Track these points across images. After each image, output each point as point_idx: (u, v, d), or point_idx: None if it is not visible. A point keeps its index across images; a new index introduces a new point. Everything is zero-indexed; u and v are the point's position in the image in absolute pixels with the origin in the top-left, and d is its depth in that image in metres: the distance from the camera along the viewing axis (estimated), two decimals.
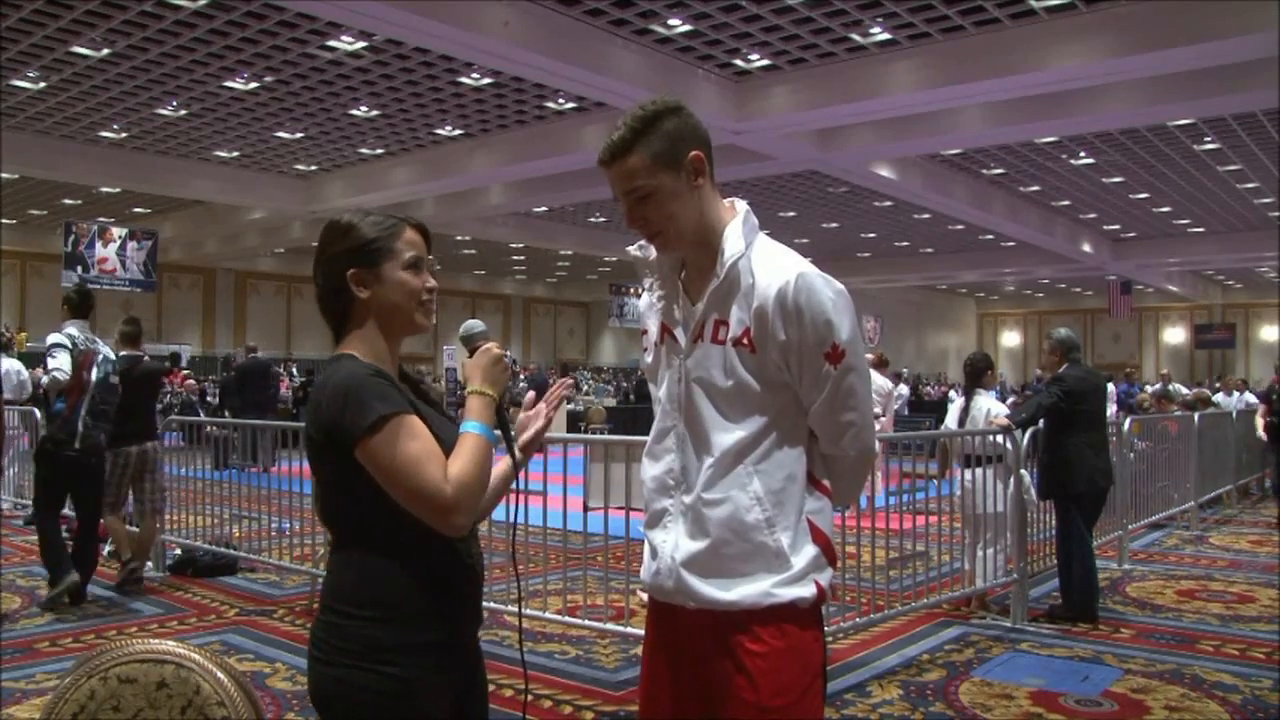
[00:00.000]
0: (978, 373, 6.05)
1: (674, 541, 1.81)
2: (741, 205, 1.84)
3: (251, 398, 13.80)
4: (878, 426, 8.34)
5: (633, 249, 1.91)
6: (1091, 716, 3.99)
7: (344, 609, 1.66)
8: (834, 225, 22.77)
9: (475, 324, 1.83)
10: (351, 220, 1.77)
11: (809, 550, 1.78)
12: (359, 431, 1.60)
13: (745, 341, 1.76)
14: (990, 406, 5.93)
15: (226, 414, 14.82)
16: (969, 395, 6.07)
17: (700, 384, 1.80)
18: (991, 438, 5.69)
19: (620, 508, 4.87)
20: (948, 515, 6.11)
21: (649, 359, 1.94)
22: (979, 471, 5.66)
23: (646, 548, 1.90)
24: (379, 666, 1.62)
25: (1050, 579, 6.18)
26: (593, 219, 22.71)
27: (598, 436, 5.84)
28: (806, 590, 1.76)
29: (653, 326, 1.92)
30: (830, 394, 1.76)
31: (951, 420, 6.25)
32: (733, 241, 1.78)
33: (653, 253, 1.88)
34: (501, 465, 1.89)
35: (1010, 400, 15.30)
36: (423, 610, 1.66)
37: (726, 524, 1.76)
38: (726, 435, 1.77)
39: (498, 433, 1.75)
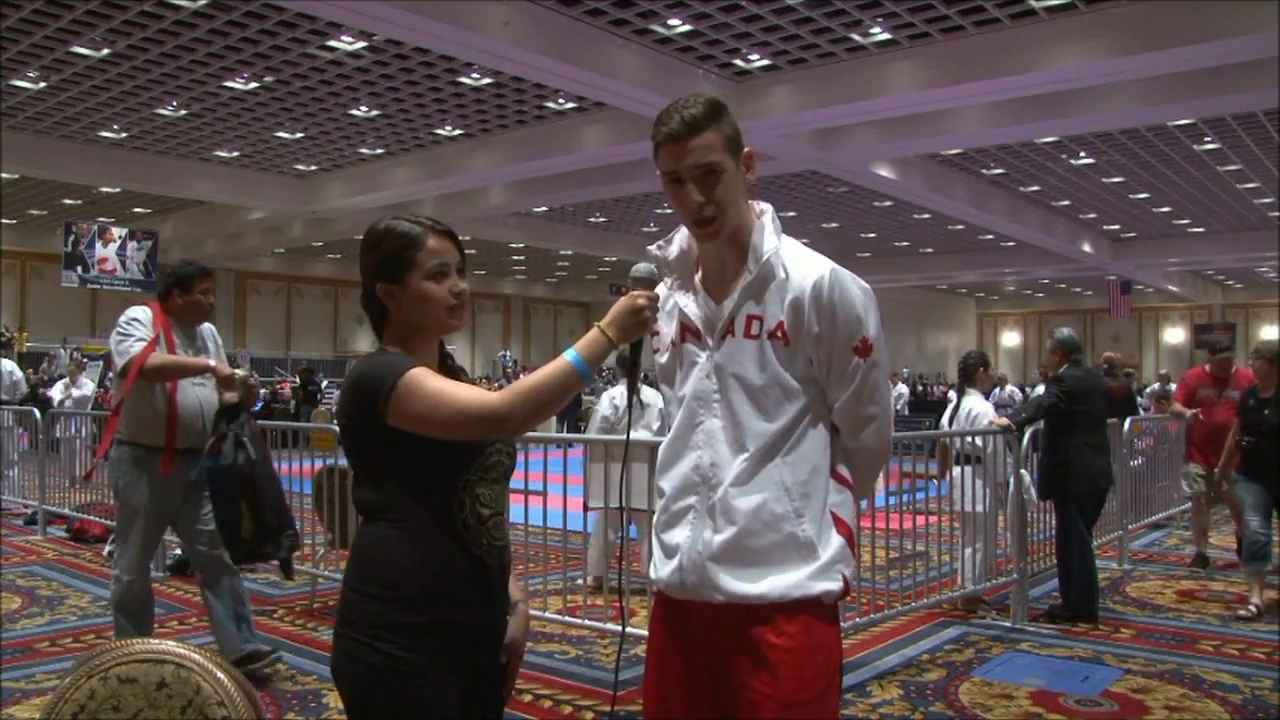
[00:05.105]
0: (969, 372, 6.19)
1: (700, 536, 1.81)
2: (767, 206, 1.87)
3: None
4: None
5: (653, 248, 1.91)
6: (1091, 716, 3.99)
7: (354, 585, 1.77)
8: (834, 225, 22.79)
9: (643, 267, 1.82)
10: (380, 230, 1.84)
11: (835, 541, 1.80)
12: (382, 401, 1.70)
13: (780, 335, 1.78)
14: (974, 407, 5.96)
15: None
16: (960, 394, 6.15)
17: (735, 379, 1.81)
18: (974, 438, 5.71)
19: (620, 508, 4.86)
20: (947, 515, 6.11)
21: (664, 359, 1.94)
22: (960, 470, 5.72)
23: (658, 549, 1.90)
24: (375, 643, 1.70)
25: (1050, 579, 6.18)
26: (593, 219, 22.71)
27: (598, 436, 5.84)
28: (834, 583, 1.78)
29: (667, 327, 1.92)
30: (857, 388, 1.80)
31: (946, 419, 6.32)
32: (768, 238, 1.81)
33: (672, 252, 1.90)
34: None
35: (993, 396, 15.25)
36: (419, 593, 1.73)
37: (756, 515, 1.77)
38: (762, 429, 1.79)
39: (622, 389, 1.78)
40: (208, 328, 4.34)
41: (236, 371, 4.09)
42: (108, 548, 7.36)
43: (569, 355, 1.72)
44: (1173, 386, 14.91)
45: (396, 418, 1.70)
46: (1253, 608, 5.58)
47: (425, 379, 1.71)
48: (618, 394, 6.27)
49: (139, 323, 4.01)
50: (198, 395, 4.12)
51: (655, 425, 6.45)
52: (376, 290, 1.82)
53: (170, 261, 4.61)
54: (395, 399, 1.69)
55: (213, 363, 4.10)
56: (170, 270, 4.27)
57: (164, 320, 4.09)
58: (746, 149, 1.82)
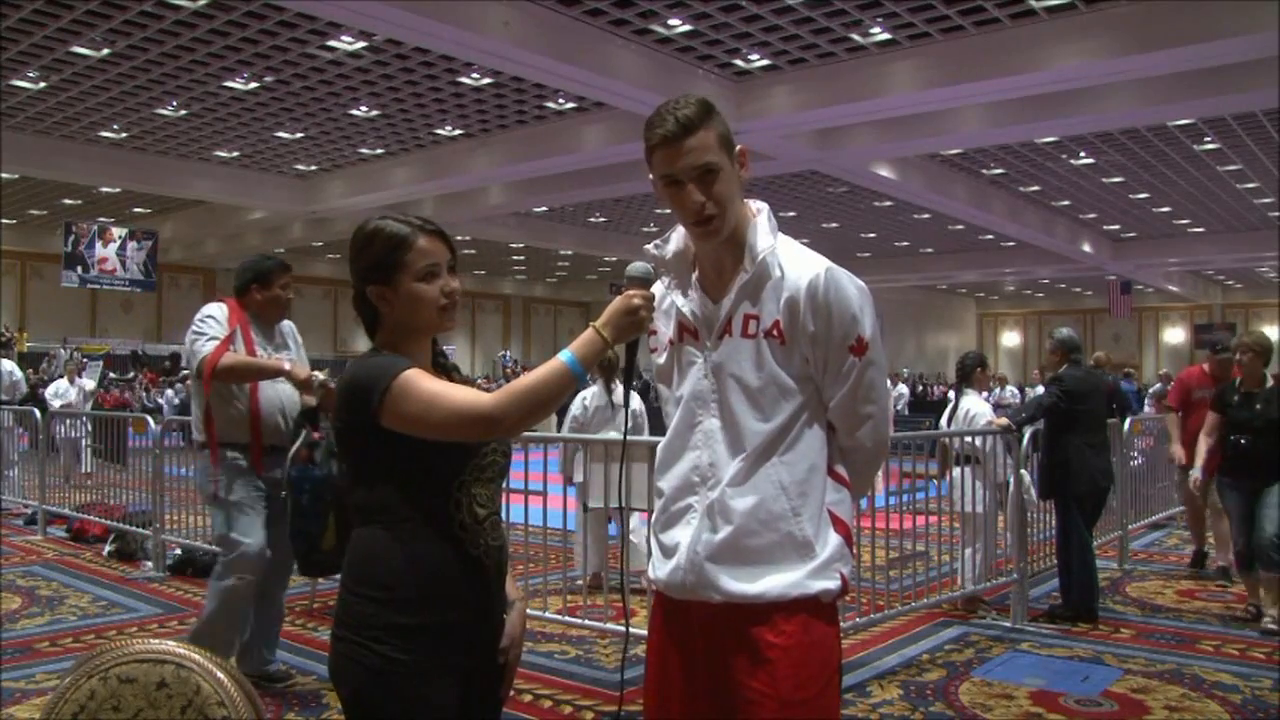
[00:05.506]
0: (966, 372, 6.18)
1: (698, 536, 1.81)
2: (763, 205, 1.87)
3: None
4: None
5: (649, 247, 1.91)
6: (1091, 716, 3.99)
7: (351, 587, 1.76)
8: (834, 225, 22.79)
9: (639, 267, 1.81)
10: (369, 231, 1.84)
11: (833, 540, 1.80)
12: (376, 402, 1.69)
13: (776, 333, 1.78)
14: (972, 407, 5.96)
15: None
16: (958, 394, 6.15)
17: (732, 379, 1.81)
18: (972, 439, 5.71)
19: (619, 508, 4.86)
20: (947, 515, 6.11)
21: (661, 360, 1.94)
22: (960, 470, 5.72)
23: (656, 548, 1.90)
24: (373, 645, 1.70)
25: (1050, 579, 6.18)
26: (593, 219, 22.70)
27: (598, 436, 5.84)
28: (832, 582, 1.78)
29: (664, 327, 1.91)
30: (853, 386, 1.80)
31: (944, 419, 6.31)
32: (763, 237, 1.81)
33: (669, 251, 1.90)
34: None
35: (991, 397, 15.26)
36: (415, 595, 1.72)
37: (753, 514, 1.77)
38: (759, 429, 1.79)
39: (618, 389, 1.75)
40: (288, 325, 4.13)
41: (315, 374, 3.80)
42: (107, 548, 7.36)
43: (563, 356, 1.71)
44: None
45: (390, 419, 1.70)
46: (1252, 608, 5.57)
47: (419, 380, 1.71)
48: (589, 395, 6.32)
49: (214, 320, 3.85)
50: (277, 391, 3.94)
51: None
52: (368, 292, 1.82)
53: (247, 257, 4.28)
54: (389, 401, 1.69)
55: (287, 365, 3.85)
56: (248, 264, 4.03)
57: (241, 316, 3.91)
58: (739, 147, 1.82)
